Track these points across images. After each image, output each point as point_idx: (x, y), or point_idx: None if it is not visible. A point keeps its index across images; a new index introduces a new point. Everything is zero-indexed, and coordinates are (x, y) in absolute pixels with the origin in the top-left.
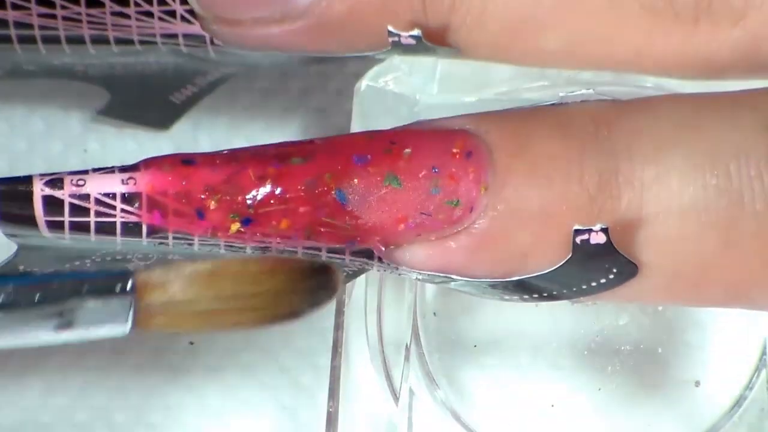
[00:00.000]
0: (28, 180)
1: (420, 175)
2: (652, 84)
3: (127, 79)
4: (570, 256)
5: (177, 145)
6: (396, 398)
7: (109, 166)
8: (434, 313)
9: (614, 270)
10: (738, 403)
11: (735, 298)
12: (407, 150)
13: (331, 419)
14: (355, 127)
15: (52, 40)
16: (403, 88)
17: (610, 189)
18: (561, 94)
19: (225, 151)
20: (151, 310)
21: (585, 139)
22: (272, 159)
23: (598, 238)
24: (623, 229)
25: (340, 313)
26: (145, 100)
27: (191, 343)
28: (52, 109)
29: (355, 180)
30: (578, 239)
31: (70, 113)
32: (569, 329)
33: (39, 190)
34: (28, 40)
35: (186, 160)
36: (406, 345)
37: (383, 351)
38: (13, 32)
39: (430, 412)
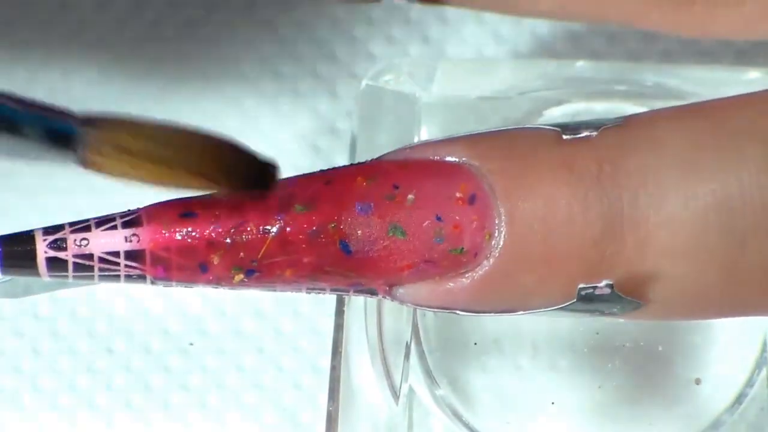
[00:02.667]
0: (30, 239)
1: (423, 225)
2: (652, 83)
3: None
4: (574, 300)
5: None
6: (396, 397)
7: (111, 215)
8: (435, 313)
9: (618, 307)
10: (738, 400)
11: (731, 315)
12: (410, 197)
13: (331, 419)
14: (357, 126)
15: None
16: (404, 87)
17: (613, 233)
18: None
19: (225, 197)
20: (99, 150)
21: (588, 182)
22: (274, 208)
23: (603, 291)
24: (628, 272)
25: (340, 313)
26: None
27: (191, 344)
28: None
29: (359, 231)
30: (583, 292)
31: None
32: (569, 327)
33: (42, 251)
34: None
35: (186, 213)
36: (406, 344)
37: (383, 350)
38: None
39: (430, 411)
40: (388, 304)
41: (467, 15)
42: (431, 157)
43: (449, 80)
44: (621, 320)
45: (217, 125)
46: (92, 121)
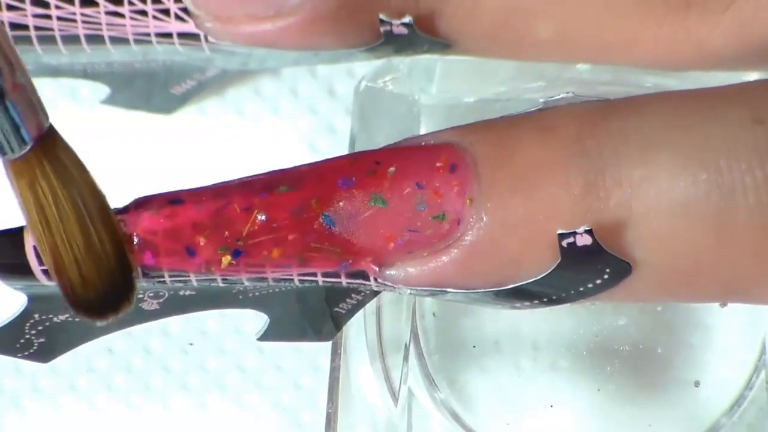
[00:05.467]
0: (18, 232)
1: (404, 193)
2: (651, 84)
3: (127, 75)
4: (560, 260)
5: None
6: (395, 399)
7: None
8: (433, 314)
9: (607, 270)
10: (737, 403)
11: (729, 292)
12: (391, 169)
13: (331, 420)
14: (355, 127)
15: (47, 41)
16: (403, 89)
17: (596, 191)
18: (541, 100)
19: (213, 186)
20: (31, 165)
21: (568, 143)
22: (258, 189)
23: (584, 240)
24: (613, 229)
25: None
26: (146, 93)
27: (191, 344)
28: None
29: (341, 203)
30: (564, 243)
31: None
32: (568, 330)
33: (30, 240)
34: (24, 41)
35: (173, 200)
36: (406, 346)
37: (383, 352)
38: (8, 33)
39: (429, 413)
40: (388, 306)
41: None
42: (417, 143)
43: (448, 81)
44: (621, 322)
45: (216, 124)
46: (50, 141)
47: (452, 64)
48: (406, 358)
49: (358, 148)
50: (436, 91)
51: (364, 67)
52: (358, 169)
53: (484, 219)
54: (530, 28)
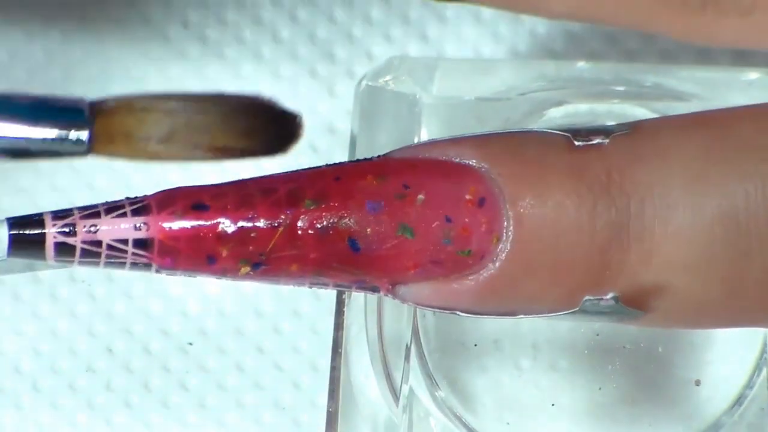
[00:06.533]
0: (40, 223)
1: (432, 226)
2: (651, 83)
3: None
4: (576, 309)
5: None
6: (396, 398)
7: (119, 201)
8: (434, 313)
9: (620, 315)
10: (738, 401)
11: (729, 327)
12: (420, 197)
13: (331, 420)
14: (356, 127)
15: None
16: (403, 88)
17: (620, 243)
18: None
19: (236, 188)
20: (109, 137)
21: (597, 190)
22: (284, 202)
23: (608, 302)
24: (631, 281)
25: (340, 313)
26: None
27: (190, 344)
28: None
29: (368, 230)
30: (588, 304)
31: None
32: (569, 328)
33: (52, 237)
34: None
35: (197, 205)
36: (407, 345)
37: (383, 351)
38: None
39: (430, 412)
40: (389, 305)
41: (466, 14)
42: (440, 157)
43: (449, 80)
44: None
45: None
46: (100, 109)
47: (453, 63)
48: (407, 357)
49: (359, 147)
50: (437, 90)
51: (364, 66)
52: (387, 192)
53: (507, 258)
54: (544, 3)
